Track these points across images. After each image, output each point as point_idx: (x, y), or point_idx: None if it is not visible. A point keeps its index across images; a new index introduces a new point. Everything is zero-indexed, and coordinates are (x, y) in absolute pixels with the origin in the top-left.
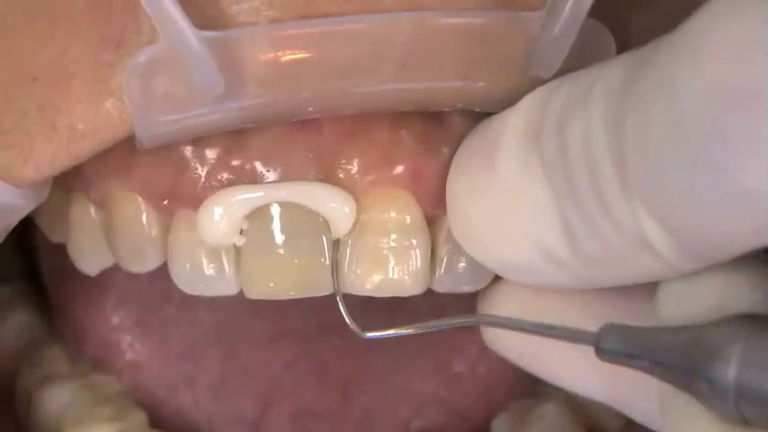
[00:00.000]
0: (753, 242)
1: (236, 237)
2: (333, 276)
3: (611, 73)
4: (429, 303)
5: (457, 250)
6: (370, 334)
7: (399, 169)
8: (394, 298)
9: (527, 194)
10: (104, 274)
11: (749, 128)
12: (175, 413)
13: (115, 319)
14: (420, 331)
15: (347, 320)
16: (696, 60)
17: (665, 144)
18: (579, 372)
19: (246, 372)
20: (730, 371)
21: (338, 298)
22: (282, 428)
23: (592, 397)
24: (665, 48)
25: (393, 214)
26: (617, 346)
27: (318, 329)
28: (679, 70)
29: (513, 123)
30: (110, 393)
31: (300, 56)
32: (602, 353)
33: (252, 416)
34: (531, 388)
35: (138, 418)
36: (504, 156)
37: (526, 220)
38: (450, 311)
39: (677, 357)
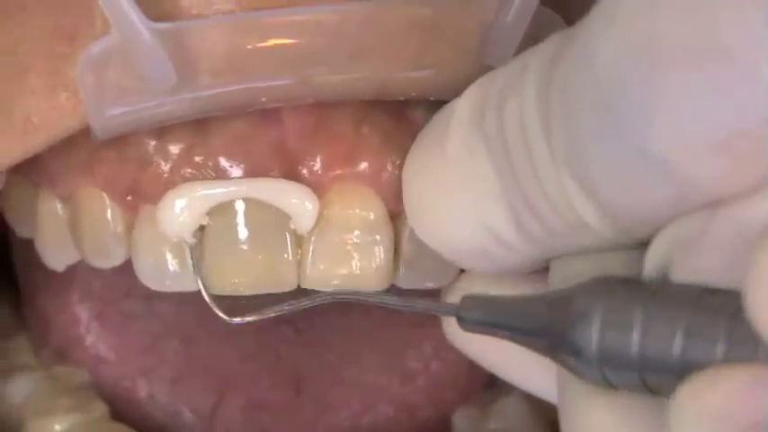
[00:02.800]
0: (671, 211)
1: (193, 234)
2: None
3: (545, 49)
4: None
5: (420, 246)
6: (236, 319)
7: (363, 166)
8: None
9: (473, 176)
10: (70, 266)
11: (653, 91)
12: (134, 405)
13: (78, 312)
14: (285, 311)
15: (212, 307)
16: (609, 25)
17: (583, 109)
18: (531, 371)
19: (203, 364)
20: (592, 335)
21: (199, 282)
22: (235, 420)
23: (547, 399)
24: (588, 17)
25: (357, 210)
26: (478, 315)
27: (274, 323)
28: (596, 35)
29: (460, 107)
30: (72, 385)
31: (252, 46)
32: (464, 323)
33: (206, 408)
34: (483, 387)
35: (100, 410)
36: (451, 138)
37: (473, 202)
38: None
39: (539, 324)
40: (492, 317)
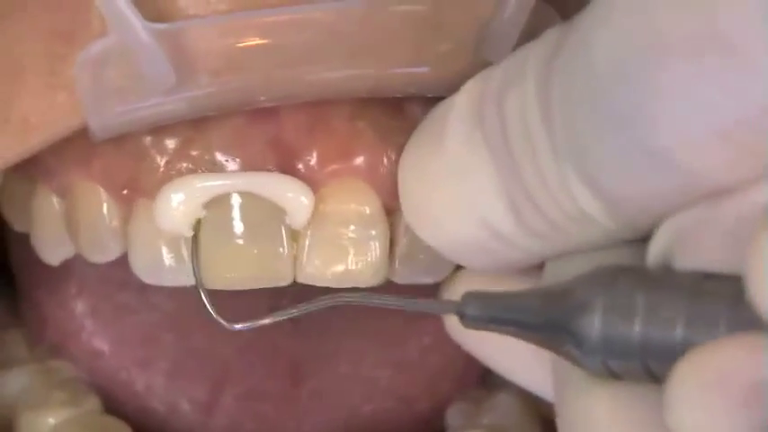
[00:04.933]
0: (674, 201)
1: (190, 228)
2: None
3: (544, 43)
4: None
5: (416, 242)
6: (237, 326)
7: (358, 160)
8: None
9: (472, 171)
10: (67, 261)
11: (653, 82)
12: (132, 397)
13: (74, 306)
14: (287, 316)
15: (212, 313)
16: (607, 18)
17: (583, 103)
18: (528, 367)
19: (200, 355)
20: (594, 322)
21: (200, 290)
22: (233, 411)
23: (538, 393)
24: (585, 11)
25: (352, 205)
26: (479, 312)
27: (270, 313)
28: (594, 27)
29: (458, 102)
30: (66, 378)
31: (250, 45)
32: (466, 320)
33: (204, 399)
34: (479, 381)
35: (93, 404)
36: (449, 133)
37: (472, 197)
38: None
39: (541, 317)
40: (493, 313)
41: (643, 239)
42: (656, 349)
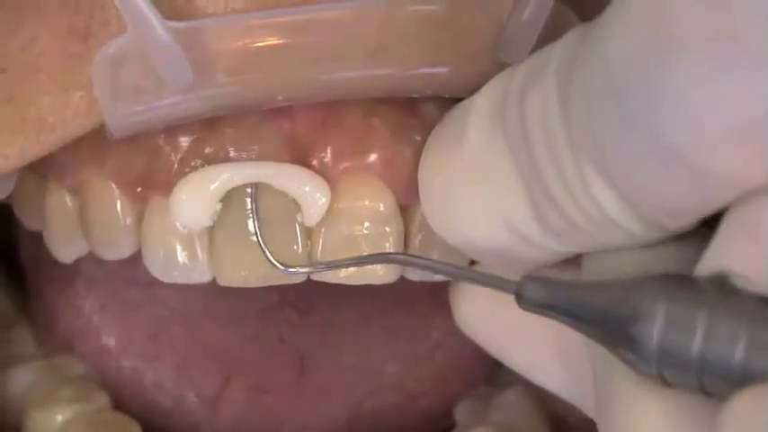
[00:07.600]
0: (695, 202)
1: (208, 219)
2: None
3: (565, 44)
4: (403, 292)
5: (430, 239)
6: (291, 269)
7: (372, 157)
8: (368, 286)
9: (494, 172)
10: (76, 259)
11: (667, 80)
12: (140, 392)
13: (83, 303)
14: (337, 265)
15: (269, 258)
16: (623, 16)
17: (600, 102)
18: (544, 364)
19: (206, 349)
20: (654, 332)
21: (257, 233)
22: (239, 404)
23: (553, 391)
24: (605, 12)
25: (366, 202)
26: (538, 296)
27: (278, 306)
28: (611, 26)
29: (478, 103)
30: (73, 375)
31: (268, 44)
32: (522, 302)
33: (211, 392)
34: (486, 378)
35: (101, 400)
36: (470, 134)
37: (494, 198)
38: (422, 300)
39: (599, 315)
40: (552, 300)
41: (681, 237)
42: (713, 367)
